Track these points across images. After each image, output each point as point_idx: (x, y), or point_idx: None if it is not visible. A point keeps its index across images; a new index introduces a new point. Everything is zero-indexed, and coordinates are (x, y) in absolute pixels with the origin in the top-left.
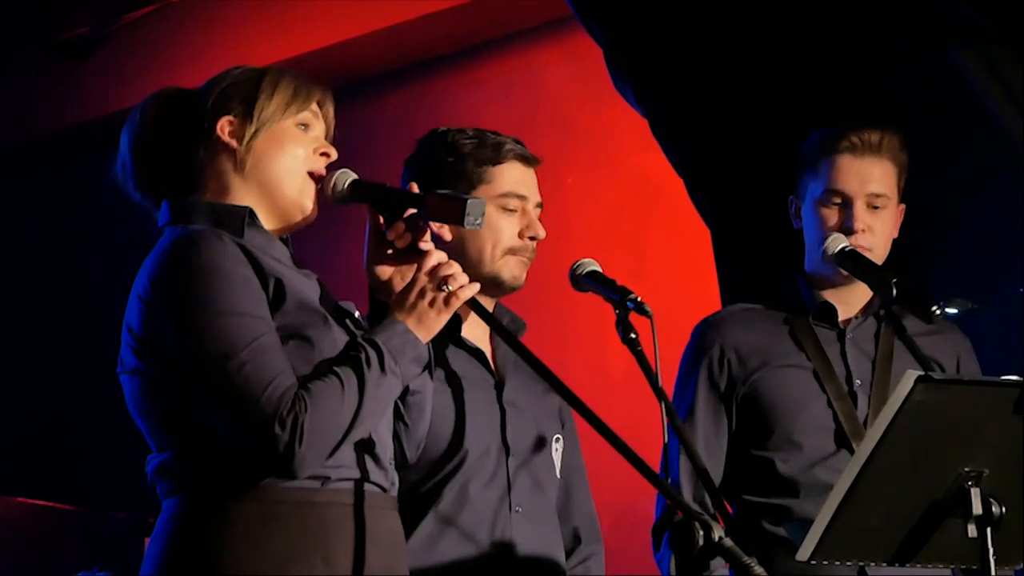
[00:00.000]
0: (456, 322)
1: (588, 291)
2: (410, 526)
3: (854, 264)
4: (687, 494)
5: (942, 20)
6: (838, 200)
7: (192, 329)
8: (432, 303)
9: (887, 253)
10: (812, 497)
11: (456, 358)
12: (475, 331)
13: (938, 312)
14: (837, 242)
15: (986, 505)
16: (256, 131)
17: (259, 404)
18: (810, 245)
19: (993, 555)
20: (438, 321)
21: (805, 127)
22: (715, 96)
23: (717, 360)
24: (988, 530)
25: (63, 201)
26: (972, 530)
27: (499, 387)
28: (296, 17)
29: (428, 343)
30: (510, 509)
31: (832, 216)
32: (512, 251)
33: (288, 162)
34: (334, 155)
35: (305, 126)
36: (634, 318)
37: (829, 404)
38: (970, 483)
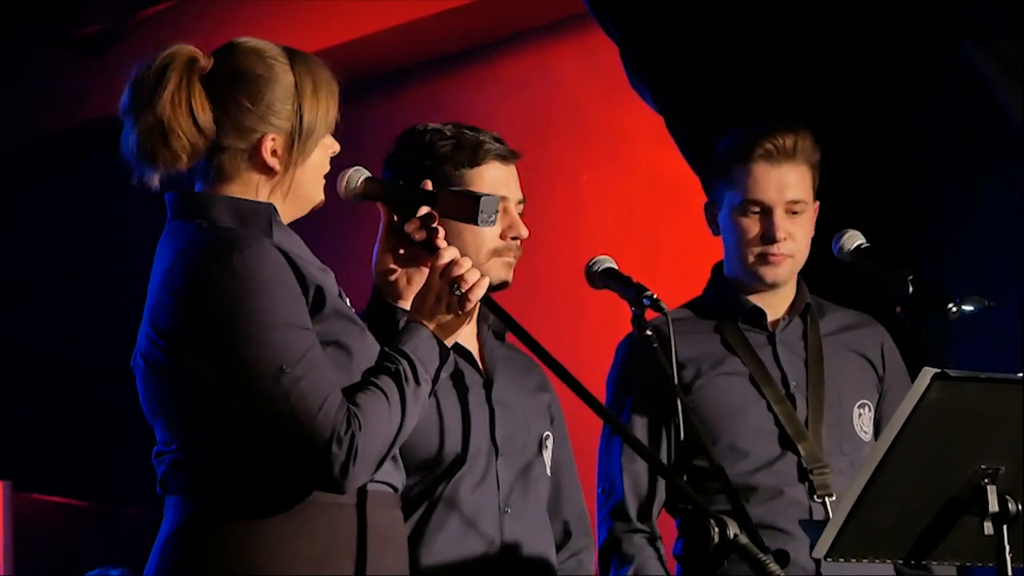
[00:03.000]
0: None
1: (603, 288)
2: None
3: (871, 262)
4: (632, 510)
5: (957, 18)
6: (757, 209)
7: (242, 342)
8: (449, 307)
9: (807, 254)
10: (763, 502)
11: None
12: (462, 330)
13: (954, 310)
14: (853, 239)
15: (1002, 503)
16: (299, 157)
17: (316, 423)
18: (729, 252)
19: (1009, 553)
20: (457, 323)
21: (821, 126)
22: (731, 94)
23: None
24: (1004, 528)
25: (77, 199)
26: (988, 528)
27: (488, 386)
28: (312, 13)
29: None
30: (500, 509)
31: (753, 226)
32: (496, 252)
33: (320, 172)
34: (337, 148)
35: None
36: (650, 315)
37: (769, 408)
38: (986, 481)
